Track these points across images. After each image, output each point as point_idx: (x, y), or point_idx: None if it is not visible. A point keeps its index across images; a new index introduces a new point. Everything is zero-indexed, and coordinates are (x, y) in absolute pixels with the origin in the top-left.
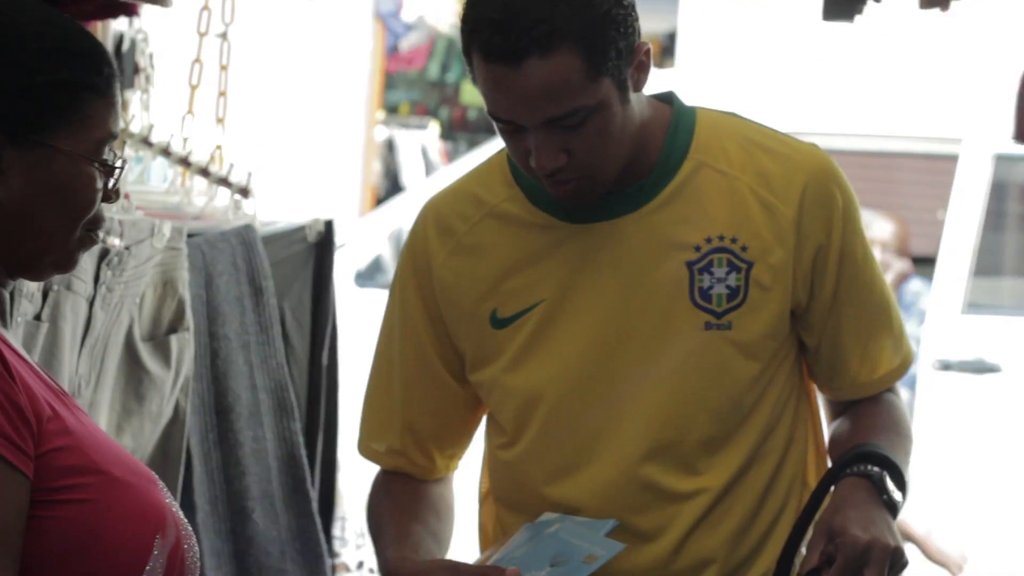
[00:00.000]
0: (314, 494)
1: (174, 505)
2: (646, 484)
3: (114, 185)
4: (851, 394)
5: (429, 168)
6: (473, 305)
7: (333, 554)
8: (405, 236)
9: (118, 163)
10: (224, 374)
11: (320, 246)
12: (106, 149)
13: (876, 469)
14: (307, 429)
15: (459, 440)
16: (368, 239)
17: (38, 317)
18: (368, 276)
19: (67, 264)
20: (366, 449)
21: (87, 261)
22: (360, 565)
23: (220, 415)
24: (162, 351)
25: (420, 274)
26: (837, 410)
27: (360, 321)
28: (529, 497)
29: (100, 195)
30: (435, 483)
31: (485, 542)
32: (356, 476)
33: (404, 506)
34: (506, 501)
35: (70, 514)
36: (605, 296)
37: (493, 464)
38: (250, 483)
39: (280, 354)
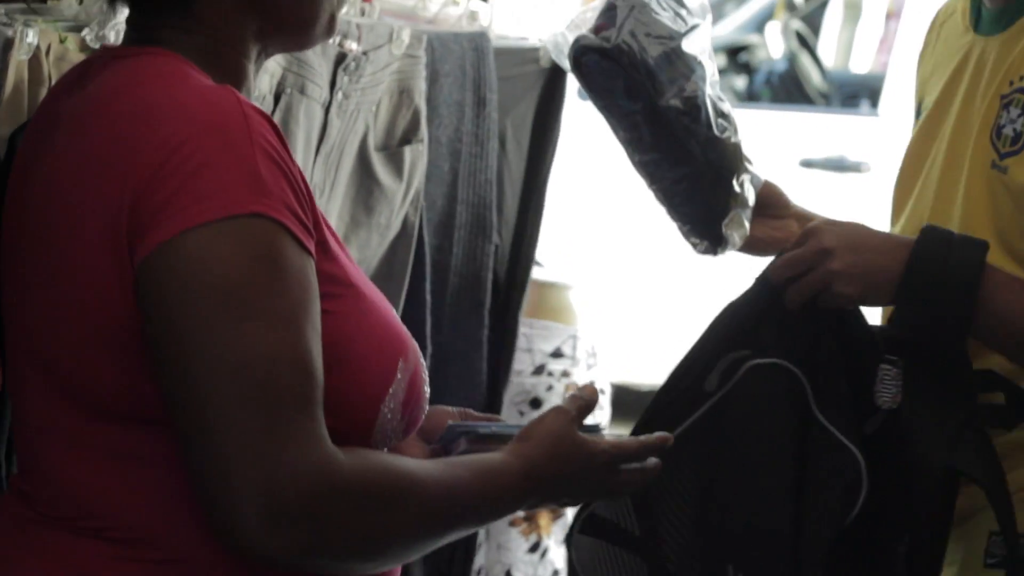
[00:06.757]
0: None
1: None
2: None
3: None
4: None
5: None
6: (918, 92)
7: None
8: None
9: None
10: (426, 176)
11: (554, 70)
12: None
13: None
14: (512, 249)
15: None
16: None
17: None
18: None
19: (332, 25)
20: None
21: (323, 66)
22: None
23: None
24: (395, 162)
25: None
26: None
27: (581, 133)
28: None
29: None
30: None
31: None
32: (588, 294)
33: None
34: None
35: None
36: (951, 112)
37: None
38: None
39: (491, 171)
